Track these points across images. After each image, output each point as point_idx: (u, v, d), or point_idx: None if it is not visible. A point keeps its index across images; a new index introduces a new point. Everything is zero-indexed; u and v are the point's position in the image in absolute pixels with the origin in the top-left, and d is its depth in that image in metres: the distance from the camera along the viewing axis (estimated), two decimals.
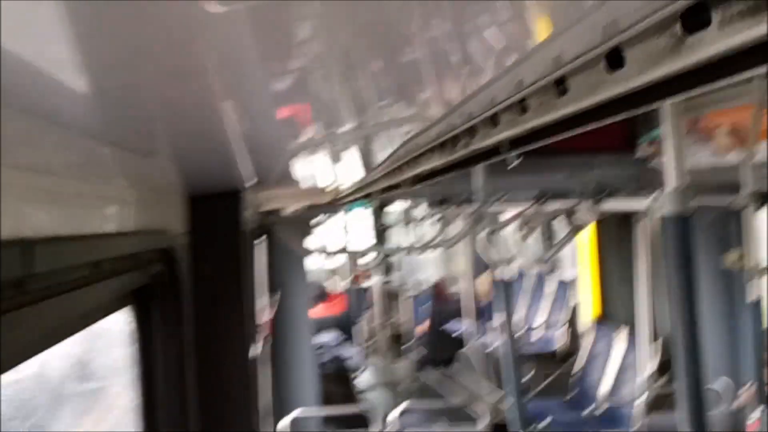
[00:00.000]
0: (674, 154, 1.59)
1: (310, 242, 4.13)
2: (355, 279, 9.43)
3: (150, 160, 1.46)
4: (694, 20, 0.46)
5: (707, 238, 3.44)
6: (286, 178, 2.26)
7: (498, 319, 3.30)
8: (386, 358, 7.86)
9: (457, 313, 7.23)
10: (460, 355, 6.56)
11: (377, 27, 0.88)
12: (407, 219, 4.54)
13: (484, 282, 7.50)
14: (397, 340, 8.47)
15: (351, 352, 6.39)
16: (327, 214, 4.30)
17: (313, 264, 7.71)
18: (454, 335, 7.09)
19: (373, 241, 4.98)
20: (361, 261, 9.33)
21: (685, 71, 0.50)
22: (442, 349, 7.09)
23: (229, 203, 2.01)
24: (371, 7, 0.80)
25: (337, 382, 5.76)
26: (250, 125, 1.36)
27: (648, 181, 3.13)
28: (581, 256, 5.04)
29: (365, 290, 9.79)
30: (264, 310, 3.25)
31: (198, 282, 1.84)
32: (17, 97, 0.79)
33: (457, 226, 3.34)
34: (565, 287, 5.88)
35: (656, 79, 0.52)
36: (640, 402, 3.50)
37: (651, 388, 3.36)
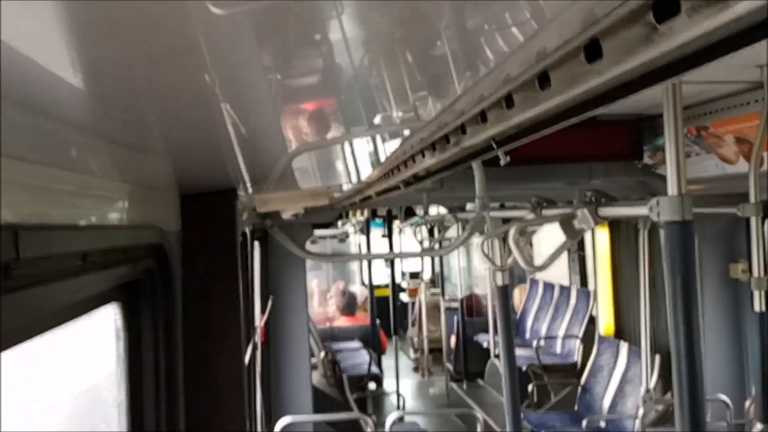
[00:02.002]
0: (674, 161, 1.57)
1: (308, 246, 4.13)
2: (412, 292, 9.52)
3: (145, 156, 1.47)
4: (666, 9, 0.46)
5: (713, 248, 3.41)
6: (284, 179, 2.26)
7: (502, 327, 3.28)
8: (423, 373, 7.87)
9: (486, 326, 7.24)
10: (489, 365, 6.54)
11: (376, 29, 0.89)
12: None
13: (517, 293, 7.50)
14: (438, 350, 8.52)
15: (368, 360, 6.39)
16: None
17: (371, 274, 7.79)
18: (484, 346, 7.09)
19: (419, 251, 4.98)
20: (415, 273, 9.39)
21: (659, 61, 0.50)
22: (473, 361, 7.11)
23: (224, 202, 2.01)
24: (372, 10, 0.80)
25: (352, 388, 5.75)
26: (249, 125, 1.37)
27: (654, 188, 3.11)
28: (600, 266, 5.01)
29: (406, 303, 9.90)
30: (259, 313, 3.25)
31: (190, 280, 1.85)
32: (12, 88, 0.80)
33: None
34: (587, 299, 5.84)
35: (632, 68, 0.52)
36: (642, 416, 3.45)
37: (651, 401, 3.32)
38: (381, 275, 9.70)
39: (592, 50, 0.56)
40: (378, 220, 7.73)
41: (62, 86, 0.87)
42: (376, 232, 8.42)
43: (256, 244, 3.47)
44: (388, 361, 7.63)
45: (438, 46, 0.95)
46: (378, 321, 7.71)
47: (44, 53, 0.76)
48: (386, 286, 9.24)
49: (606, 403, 4.19)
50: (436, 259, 10.00)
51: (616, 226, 4.55)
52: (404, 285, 10.11)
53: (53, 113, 0.96)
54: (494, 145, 0.87)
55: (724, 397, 3.18)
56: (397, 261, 9.22)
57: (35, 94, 0.87)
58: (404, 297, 10.04)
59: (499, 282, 2.75)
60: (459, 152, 1.01)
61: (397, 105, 1.39)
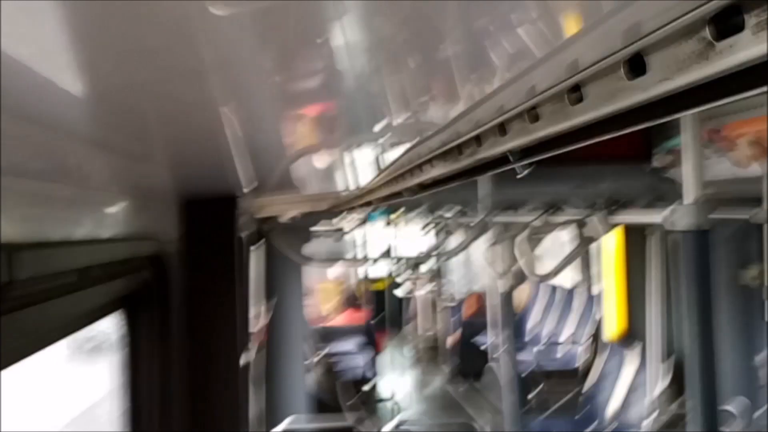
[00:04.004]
0: (693, 164, 1.53)
1: (308, 249, 4.10)
2: (412, 286, 9.42)
3: (144, 164, 1.43)
4: (726, 24, 0.41)
5: (726, 253, 3.36)
6: (285, 184, 2.23)
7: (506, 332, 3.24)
8: (423, 369, 7.82)
9: (485, 326, 7.18)
10: (488, 368, 6.50)
11: (384, 31, 0.85)
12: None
13: (523, 292, 7.44)
14: (434, 350, 8.47)
15: (366, 361, 6.33)
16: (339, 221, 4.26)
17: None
18: (482, 348, 7.04)
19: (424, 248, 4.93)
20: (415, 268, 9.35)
21: (711, 79, 0.45)
22: (472, 362, 7.05)
23: (224, 209, 1.97)
24: (375, 12, 0.76)
25: (349, 390, 5.71)
26: (248, 130, 1.33)
27: (664, 192, 3.06)
28: (608, 270, 4.94)
29: (407, 299, 9.82)
30: (258, 318, 3.22)
31: (190, 288, 1.81)
32: (11, 99, 0.76)
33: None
34: (593, 302, 5.77)
35: (681, 86, 0.47)
36: (650, 422, 3.41)
37: (661, 407, 3.28)
38: (379, 268, 9.61)
39: (635, 65, 0.51)
40: (381, 208, 7.60)
41: (59, 94, 0.84)
42: (379, 221, 8.32)
43: (255, 247, 3.44)
44: (387, 356, 7.56)
45: (451, 50, 0.91)
46: (373, 321, 7.61)
47: (42, 62, 0.73)
48: (383, 279, 9.15)
49: (611, 409, 4.15)
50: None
51: (626, 227, 4.50)
52: (400, 279, 10.01)
53: (48, 123, 0.92)
54: (511, 158, 0.82)
55: (731, 408, 3.14)
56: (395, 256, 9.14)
57: (32, 103, 0.83)
58: (400, 292, 9.94)
59: (502, 288, 2.70)
60: (472, 163, 0.96)
61: (404, 111, 1.35)
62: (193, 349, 1.85)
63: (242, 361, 2.09)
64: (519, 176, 0.88)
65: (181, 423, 1.73)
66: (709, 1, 0.41)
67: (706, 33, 0.42)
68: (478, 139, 0.91)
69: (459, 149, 1.02)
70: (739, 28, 0.40)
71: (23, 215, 0.83)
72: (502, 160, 0.95)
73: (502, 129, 0.81)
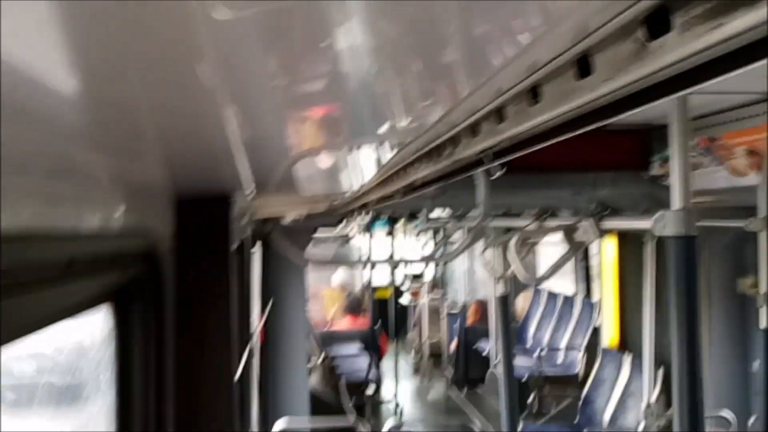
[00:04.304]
0: (680, 173, 1.54)
1: (311, 254, 4.11)
2: (413, 295, 9.44)
3: (139, 159, 1.45)
4: (658, 25, 0.43)
5: (721, 261, 3.35)
6: (283, 186, 2.24)
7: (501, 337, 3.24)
8: (425, 374, 7.79)
9: (487, 332, 7.17)
10: (490, 374, 6.49)
11: (382, 34, 0.86)
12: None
13: (521, 300, 7.44)
14: (437, 356, 8.46)
15: (369, 365, 6.32)
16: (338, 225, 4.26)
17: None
18: (484, 354, 7.03)
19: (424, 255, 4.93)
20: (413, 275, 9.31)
21: (650, 79, 0.47)
22: (474, 368, 7.04)
23: (219, 208, 1.99)
24: (376, 14, 0.78)
25: (350, 393, 5.71)
26: (245, 130, 1.35)
27: (661, 200, 3.06)
28: (606, 278, 4.94)
29: (406, 306, 9.84)
30: (256, 319, 3.23)
31: (183, 286, 1.82)
32: (4, 96, 0.78)
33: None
34: (591, 309, 5.77)
35: (622, 86, 0.49)
36: (643, 428, 3.40)
37: (653, 416, 3.27)
38: (382, 276, 9.64)
39: (584, 65, 0.53)
40: (382, 218, 7.67)
41: (52, 91, 0.85)
42: (380, 231, 8.35)
43: (257, 247, 3.46)
44: (387, 363, 7.56)
45: (435, 54, 0.93)
46: (379, 322, 7.61)
47: (35, 60, 0.74)
48: (387, 287, 9.17)
49: (607, 416, 4.14)
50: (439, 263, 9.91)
51: (623, 236, 4.50)
52: (404, 288, 10.03)
53: (41, 115, 0.94)
54: (484, 159, 0.84)
55: (727, 413, 3.12)
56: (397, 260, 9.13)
57: (22, 100, 0.85)
58: (404, 300, 9.97)
59: (500, 291, 2.71)
60: (452, 164, 0.98)
61: (396, 113, 1.37)
62: (186, 347, 1.86)
63: (238, 358, 2.11)
64: (493, 177, 0.90)
65: (174, 421, 1.74)
66: (641, 0, 0.42)
67: (640, 34, 0.44)
68: (454, 141, 0.93)
69: (439, 150, 1.04)
70: (668, 28, 0.42)
71: (14, 209, 0.85)
72: (479, 160, 0.97)
73: (474, 129, 0.83)
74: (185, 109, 1.16)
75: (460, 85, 0.91)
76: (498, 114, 0.71)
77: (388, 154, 1.70)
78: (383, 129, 1.51)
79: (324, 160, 2.06)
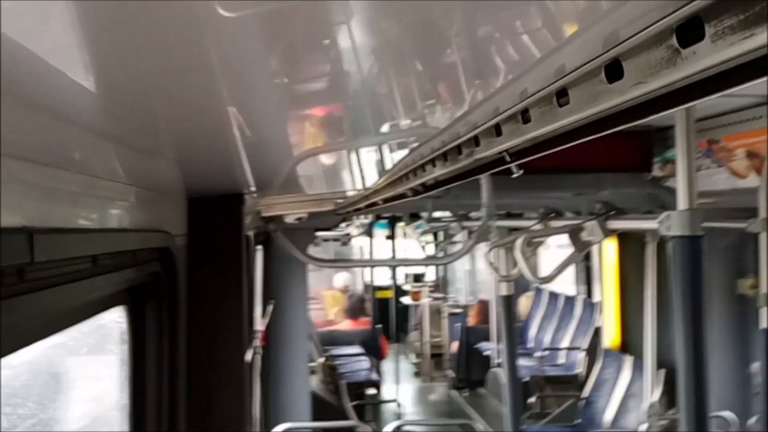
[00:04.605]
0: (685, 174, 1.57)
1: (313, 252, 4.12)
2: (415, 295, 9.45)
3: (153, 159, 1.48)
4: (690, 33, 0.46)
5: (721, 262, 3.38)
6: (290, 185, 2.26)
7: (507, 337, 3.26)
8: (427, 374, 7.79)
9: (489, 334, 7.19)
10: (492, 374, 6.50)
11: (387, 36, 0.88)
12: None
13: (523, 302, 7.46)
14: (438, 356, 8.47)
15: (370, 366, 6.34)
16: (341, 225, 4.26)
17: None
18: (485, 354, 7.05)
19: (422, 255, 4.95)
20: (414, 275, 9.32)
21: (680, 84, 0.50)
22: (476, 368, 7.06)
23: (231, 207, 2.01)
24: (383, 16, 0.80)
25: (352, 394, 5.72)
26: (256, 130, 1.37)
27: (663, 201, 3.10)
28: (607, 279, 4.97)
29: (408, 306, 9.85)
30: (259, 318, 3.24)
31: (195, 283, 1.85)
32: (25, 88, 0.80)
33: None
34: (592, 310, 5.79)
35: (653, 90, 0.52)
36: (645, 430, 3.43)
37: (656, 415, 3.30)
38: (383, 276, 9.66)
39: (613, 70, 0.56)
40: (382, 221, 7.69)
41: (73, 87, 0.88)
42: (380, 233, 8.37)
43: (259, 247, 3.47)
44: (388, 365, 7.58)
45: (450, 56, 0.95)
46: (380, 325, 7.63)
47: (57, 54, 0.76)
48: (388, 287, 9.18)
49: (608, 416, 4.17)
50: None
51: (624, 238, 4.54)
52: (407, 288, 10.05)
53: (65, 116, 0.96)
54: (508, 158, 0.87)
55: (728, 413, 3.15)
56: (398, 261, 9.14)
57: (47, 96, 0.87)
58: (406, 300, 9.99)
59: (504, 291, 2.74)
60: (471, 163, 1.01)
61: (407, 114, 1.39)
62: (198, 342, 1.88)
63: (247, 357, 2.12)
64: (514, 176, 0.92)
65: (184, 415, 1.75)
66: (674, 12, 0.45)
67: (673, 41, 0.47)
68: (475, 141, 0.95)
69: (457, 150, 1.06)
70: (701, 37, 0.44)
71: (38, 203, 0.87)
72: (497, 160, 1.00)
73: (497, 130, 0.85)
74: (198, 111, 1.18)
75: (483, 85, 0.94)
76: (523, 115, 0.74)
77: (399, 154, 1.73)
78: (395, 128, 1.54)
79: (332, 160, 2.08)
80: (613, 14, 0.55)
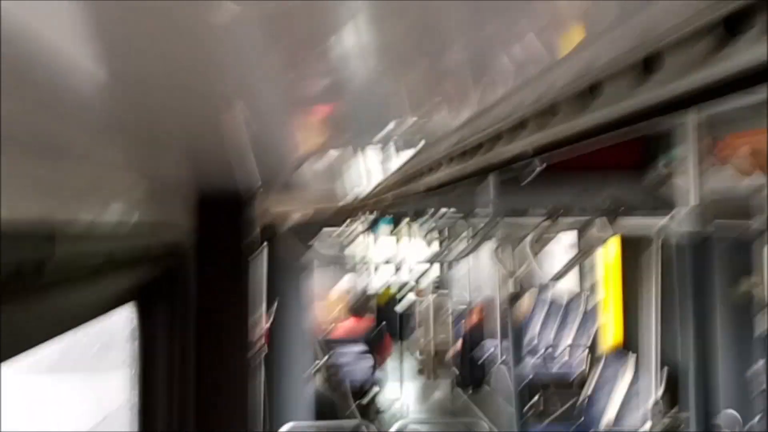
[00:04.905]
0: (694, 174, 1.57)
1: (314, 251, 4.11)
2: (419, 292, 9.43)
3: (162, 155, 1.47)
4: (736, 26, 0.45)
5: (722, 262, 3.39)
6: (296, 185, 2.26)
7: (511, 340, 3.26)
8: (427, 376, 7.78)
9: (492, 333, 7.18)
10: (493, 374, 6.50)
11: (400, 30, 0.88)
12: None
13: (524, 302, 7.45)
14: (439, 358, 8.47)
15: (370, 368, 6.32)
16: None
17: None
18: (488, 354, 7.04)
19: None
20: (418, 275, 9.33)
21: (720, 80, 0.50)
22: (476, 370, 7.06)
23: (237, 206, 2.01)
24: (392, 12, 0.80)
25: (353, 397, 5.71)
26: (261, 130, 1.37)
27: (665, 200, 3.10)
28: (606, 281, 4.97)
29: (412, 303, 9.83)
30: (262, 319, 3.24)
31: (201, 283, 1.84)
32: (35, 84, 0.79)
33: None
34: (595, 309, 5.79)
35: (694, 85, 0.51)
36: (649, 429, 3.43)
37: (655, 417, 3.31)
38: (387, 273, 9.65)
39: (651, 63, 0.56)
40: (386, 217, 7.66)
41: (82, 84, 0.87)
42: (385, 229, 8.33)
43: (263, 247, 3.47)
44: (392, 362, 7.56)
45: (460, 54, 0.95)
46: (384, 323, 7.60)
47: (64, 48, 0.75)
48: (392, 284, 9.16)
49: (610, 415, 4.17)
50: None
51: (625, 237, 4.54)
52: (411, 284, 10.02)
53: (75, 113, 0.95)
54: (531, 152, 0.86)
55: (731, 412, 3.16)
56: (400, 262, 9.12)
57: (53, 91, 0.86)
58: (410, 296, 9.97)
59: (510, 289, 2.74)
60: (480, 165, 1.00)
61: (416, 113, 1.38)
62: (206, 341, 1.87)
63: (252, 359, 2.12)
64: (526, 181, 0.92)
65: (193, 418, 1.75)
66: (721, 3, 0.45)
67: (719, 34, 0.46)
68: (497, 137, 0.95)
69: (473, 149, 1.06)
70: (748, 29, 0.44)
71: (50, 199, 0.86)
72: (506, 162, 0.99)
73: (522, 125, 0.85)
74: (204, 110, 1.18)
75: (507, 83, 0.93)
76: (550, 109, 0.74)
77: (408, 153, 1.72)
78: (405, 128, 1.53)
79: (338, 159, 2.07)
80: (654, 6, 0.54)
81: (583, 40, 0.69)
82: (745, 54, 0.46)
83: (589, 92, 0.64)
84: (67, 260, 0.86)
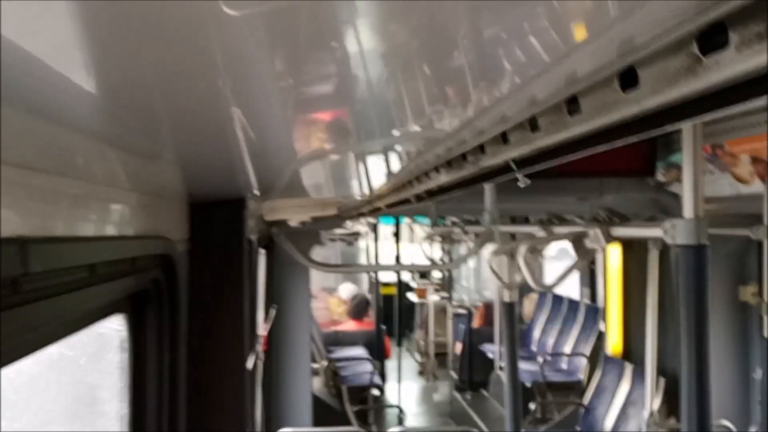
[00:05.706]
0: (692, 179, 1.55)
1: (317, 255, 4.10)
2: (420, 293, 9.41)
3: (154, 164, 1.46)
4: (712, 41, 0.44)
5: (722, 270, 3.36)
6: (293, 189, 2.25)
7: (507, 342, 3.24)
8: (430, 376, 7.75)
9: (493, 335, 7.16)
10: (495, 376, 6.48)
11: (394, 38, 0.87)
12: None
13: (527, 303, 7.43)
14: (442, 357, 8.45)
15: (373, 367, 6.31)
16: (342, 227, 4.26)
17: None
18: (489, 356, 7.02)
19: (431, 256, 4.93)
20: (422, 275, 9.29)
21: (700, 94, 0.48)
22: (477, 371, 7.04)
23: (233, 211, 1.99)
24: (387, 18, 0.79)
25: (355, 396, 5.69)
26: (257, 133, 1.36)
27: (667, 206, 3.08)
28: (611, 285, 4.94)
29: (417, 306, 9.80)
30: (261, 323, 3.23)
31: (196, 289, 1.83)
32: (24, 93, 0.79)
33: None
34: (596, 315, 5.76)
35: (671, 100, 0.50)
36: None
37: (655, 425, 3.28)
38: (388, 273, 9.63)
39: (628, 78, 0.54)
40: (387, 218, 7.63)
41: (72, 90, 0.86)
42: (387, 229, 8.31)
43: (261, 251, 3.46)
44: (391, 363, 7.54)
45: (457, 61, 0.94)
46: (384, 326, 7.58)
47: (56, 58, 0.75)
48: (393, 284, 9.14)
49: (608, 424, 4.14)
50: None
51: (628, 242, 4.52)
52: (412, 284, 9.99)
53: (62, 120, 0.95)
54: (514, 167, 0.85)
55: (727, 423, 3.13)
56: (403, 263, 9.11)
57: (44, 99, 0.86)
58: (412, 297, 9.94)
59: (507, 298, 2.72)
60: (476, 171, 0.99)
61: (413, 119, 1.37)
62: (198, 349, 1.86)
63: (248, 363, 2.11)
64: (522, 186, 0.90)
65: (184, 423, 1.73)
66: (696, 16, 0.43)
67: (694, 49, 0.45)
68: (482, 148, 0.93)
69: (464, 157, 1.04)
70: (725, 44, 0.42)
71: (35, 210, 0.85)
72: (504, 168, 0.98)
73: (504, 138, 0.83)
74: (201, 114, 1.17)
75: (493, 92, 0.92)
76: (531, 123, 0.72)
77: (404, 159, 1.71)
78: (400, 133, 1.52)
79: (336, 164, 2.07)
80: (628, 19, 0.53)
81: (564, 52, 0.67)
82: (721, 70, 0.44)
83: (568, 106, 0.63)
84: (46, 274, 0.85)
